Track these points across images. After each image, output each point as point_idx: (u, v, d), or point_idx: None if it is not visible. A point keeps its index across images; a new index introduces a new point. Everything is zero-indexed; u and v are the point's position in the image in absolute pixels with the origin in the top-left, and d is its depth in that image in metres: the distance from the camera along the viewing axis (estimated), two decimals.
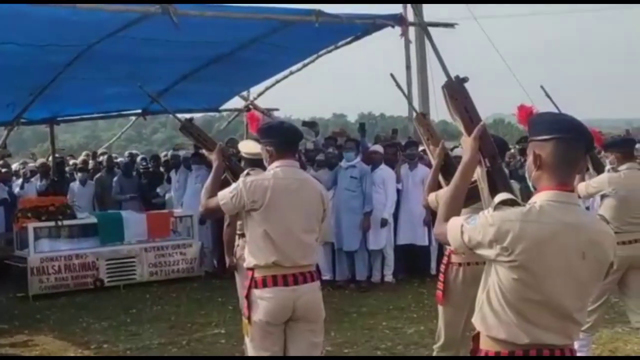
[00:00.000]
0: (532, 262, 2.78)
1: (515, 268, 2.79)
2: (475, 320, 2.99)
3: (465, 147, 3.18)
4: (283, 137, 4.56)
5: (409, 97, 13.19)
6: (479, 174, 3.20)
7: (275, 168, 4.52)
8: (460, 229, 2.93)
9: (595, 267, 2.87)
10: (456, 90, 3.21)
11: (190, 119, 5.63)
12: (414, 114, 5.58)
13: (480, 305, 2.97)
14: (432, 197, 5.24)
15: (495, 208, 2.86)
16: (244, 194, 4.40)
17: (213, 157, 5.08)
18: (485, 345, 2.96)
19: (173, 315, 9.33)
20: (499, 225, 2.79)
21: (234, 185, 4.52)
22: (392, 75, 5.75)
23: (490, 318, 2.90)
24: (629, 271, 6.35)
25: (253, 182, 4.44)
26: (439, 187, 5.29)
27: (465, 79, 3.22)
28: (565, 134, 2.86)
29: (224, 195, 4.49)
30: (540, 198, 2.86)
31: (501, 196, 2.91)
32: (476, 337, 3.03)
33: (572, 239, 2.80)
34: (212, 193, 4.65)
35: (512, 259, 2.78)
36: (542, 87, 6.98)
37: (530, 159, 2.94)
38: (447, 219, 3.07)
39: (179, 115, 6.59)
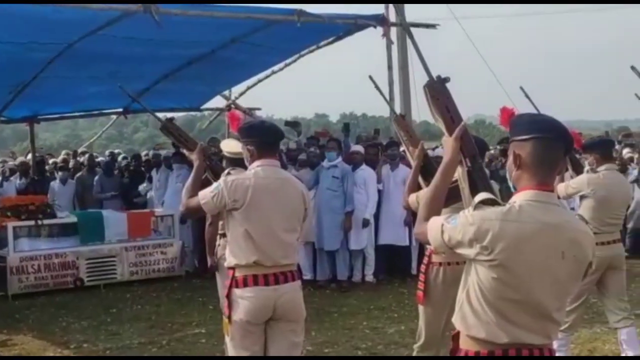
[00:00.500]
0: (512, 261, 2.79)
1: (495, 267, 2.80)
2: (455, 319, 3.00)
3: (446, 147, 3.18)
4: (264, 137, 4.56)
5: (388, 99, 13.21)
6: (459, 173, 3.21)
7: (256, 167, 4.52)
8: (440, 228, 2.95)
9: (574, 266, 2.89)
10: (438, 91, 3.22)
11: (171, 119, 5.61)
12: (393, 116, 5.59)
13: (460, 304, 2.98)
14: (412, 198, 5.26)
15: (476, 207, 2.87)
16: (225, 193, 4.40)
17: (194, 157, 5.08)
18: (465, 345, 2.97)
19: (153, 315, 9.30)
20: (479, 225, 2.81)
21: (215, 184, 4.52)
22: (370, 77, 5.78)
23: (470, 317, 2.91)
24: (608, 271, 6.41)
25: (234, 181, 4.44)
26: (419, 188, 5.31)
27: (446, 79, 3.22)
28: (544, 134, 2.88)
29: (205, 195, 4.49)
30: (520, 198, 2.88)
31: (481, 196, 2.93)
32: (456, 337, 3.04)
33: (552, 238, 2.82)
34: (193, 193, 4.64)
35: (491, 258, 2.79)
36: (521, 88, 7.02)
37: (510, 159, 2.97)
38: (427, 219, 3.08)
39: (161, 115, 6.58)
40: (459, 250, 2.90)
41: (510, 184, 2.97)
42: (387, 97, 13.58)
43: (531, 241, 2.79)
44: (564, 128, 2.95)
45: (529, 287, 2.82)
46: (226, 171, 4.73)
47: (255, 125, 4.71)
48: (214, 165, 5.38)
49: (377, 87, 5.78)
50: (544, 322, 2.88)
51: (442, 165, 3.16)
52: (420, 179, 5.32)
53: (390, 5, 11.87)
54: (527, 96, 6.84)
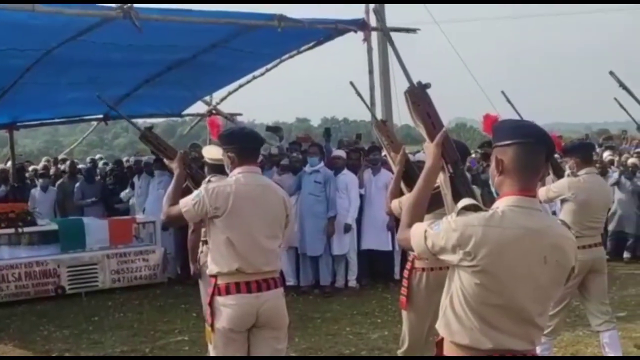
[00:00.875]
0: (494, 266, 2.79)
1: (478, 273, 2.80)
2: (439, 325, 3.00)
3: (427, 153, 3.18)
4: (244, 144, 4.54)
5: (369, 104, 13.21)
6: (441, 179, 3.21)
7: (237, 174, 4.50)
8: (424, 234, 2.94)
9: (556, 271, 2.89)
10: (418, 96, 3.22)
11: (150, 127, 5.56)
12: (374, 121, 5.59)
13: (443, 310, 2.98)
14: (395, 203, 5.25)
15: (459, 213, 2.87)
16: (206, 200, 4.38)
17: (174, 166, 5.05)
18: (449, 351, 2.97)
19: (136, 323, 9.23)
20: (462, 231, 2.80)
21: (196, 192, 4.49)
22: (351, 83, 5.78)
23: (454, 324, 2.91)
24: (589, 275, 6.43)
25: (215, 188, 4.42)
26: (401, 193, 5.30)
27: (427, 85, 3.22)
28: (526, 139, 2.89)
29: (186, 203, 4.46)
30: (502, 203, 2.88)
31: (464, 202, 2.93)
32: (439, 343, 3.04)
33: (534, 244, 2.82)
34: (174, 201, 4.61)
35: (474, 263, 2.79)
36: (502, 92, 7.04)
37: (493, 164, 2.97)
38: (410, 225, 3.07)
39: (142, 120, 6.55)
40: (443, 257, 2.89)
41: (493, 189, 2.96)
42: (369, 102, 13.60)
43: (514, 247, 2.79)
44: (545, 133, 2.97)
45: (511, 292, 2.81)
46: (207, 178, 4.70)
47: (235, 132, 4.69)
48: (195, 173, 5.36)
49: (358, 93, 5.78)
50: (527, 328, 2.88)
51: (424, 172, 3.16)
52: (402, 185, 5.31)
53: (371, 10, 11.87)
54: (508, 101, 6.85)
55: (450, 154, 3.16)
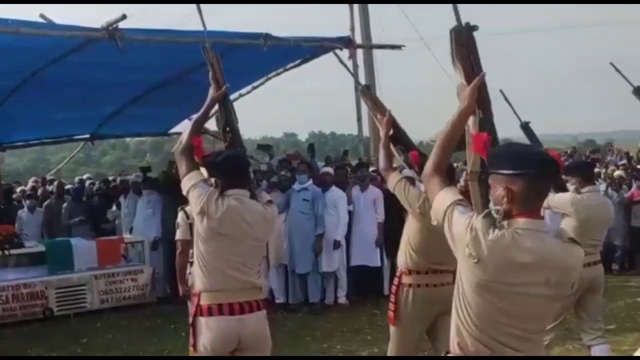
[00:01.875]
0: (497, 283, 2.84)
1: (480, 282, 2.86)
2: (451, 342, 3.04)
3: (463, 95, 3.17)
4: (230, 174, 4.44)
5: (356, 117, 13.29)
6: (470, 122, 3.20)
7: (228, 195, 4.43)
8: (445, 209, 2.99)
9: (557, 291, 2.92)
10: (464, 37, 3.22)
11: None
12: (359, 87, 5.65)
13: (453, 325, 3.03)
14: (393, 177, 5.24)
15: (484, 216, 2.89)
16: (207, 197, 4.33)
17: (211, 92, 4.74)
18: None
19: (125, 344, 9.18)
20: (476, 237, 2.84)
21: (204, 185, 4.40)
22: (335, 54, 5.83)
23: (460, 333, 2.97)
24: (587, 293, 6.40)
25: (218, 198, 4.36)
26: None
27: (474, 27, 3.22)
28: (536, 170, 2.90)
29: (197, 180, 4.40)
30: (512, 226, 2.89)
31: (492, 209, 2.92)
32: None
33: (540, 269, 2.85)
34: (197, 127, 4.60)
35: (476, 264, 2.84)
36: (500, 90, 6.93)
37: (498, 192, 2.93)
38: (437, 162, 3.13)
39: (128, 140, 6.49)
40: (448, 237, 2.96)
41: (493, 209, 2.93)
42: (355, 117, 13.61)
43: (518, 267, 2.83)
44: (551, 159, 2.99)
45: (512, 310, 2.86)
46: (214, 180, 4.51)
47: (222, 162, 4.48)
48: (230, 111, 4.76)
49: (342, 62, 5.84)
50: (527, 344, 2.92)
51: (457, 113, 3.16)
52: (392, 147, 5.30)
53: (357, 27, 11.95)
54: (506, 99, 6.73)
55: (483, 97, 3.18)
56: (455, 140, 3.18)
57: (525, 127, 6.68)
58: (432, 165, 3.15)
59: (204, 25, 5.09)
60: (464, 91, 3.17)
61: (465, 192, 3.20)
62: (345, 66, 5.90)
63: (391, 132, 5.25)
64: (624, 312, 9.62)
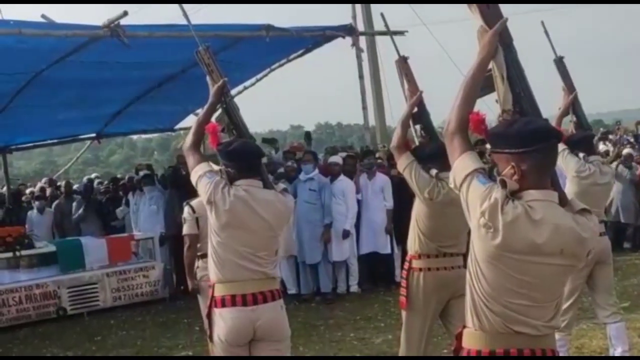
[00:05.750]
0: (511, 252, 2.81)
1: (494, 251, 2.83)
2: (467, 317, 3.01)
3: (483, 42, 3.08)
4: (244, 161, 4.41)
5: (362, 106, 13.23)
6: (494, 63, 3.12)
7: (239, 185, 4.41)
8: (465, 175, 2.92)
9: (572, 261, 2.91)
10: None
11: (208, 46, 5.10)
12: (397, 58, 5.56)
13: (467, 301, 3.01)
14: (404, 158, 5.23)
15: (502, 187, 2.84)
16: (214, 186, 4.32)
17: (211, 92, 4.73)
18: (468, 343, 2.98)
19: (139, 340, 9.21)
20: (495, 206, 2.80)
21: (210, 176, 4.38)
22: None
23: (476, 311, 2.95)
24: (596, 266, 6.34)
25: (225, 187, 4.34)
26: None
27: None
28: (544, 143, 2.86)
29: (204, 172, 4.40)
30: (524, 198, 2.85)
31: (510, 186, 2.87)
32: (459, 336, 3.05)
33: (555, 237, 2.82)
34: (199, 128, 4.58)
35: (493, 241, 2.81)
36: (542, 22, 6.81)
37: (507, 170, 2.89)
38: (461, 117, 3.02)
39: (135, 137, 6.49)
40: (463, 196, 2.92)
41: (508, 181, 2.89)
42: (360, 106, 13.57)
43: (534, 240, 2.80)
44: (554, 129, 2.97)
45: (523, 279, 2.85)
46: (223, 168, 4.50)
47: (235, 150, 4.46)
48: (230, 105, 4.77)
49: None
50: (540, 311, 2.90)
51: (479, 60, 3.07)
52: (412, 125, 5.31)
53: (358, 15, 11.91)
54: (546, 32, 6.55)
55: (505, 36, 3.08)
56: (477, 90, 3.09)
57: (560, 62, 6.53)
58: (455, 120, 3.03)
59: (189, 21, 5.14)
60: (484, 37, 3.08)
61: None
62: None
63: (415, 110, 5.27)
64: (637, 290, 9.59)
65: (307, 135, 13.62)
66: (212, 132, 4.58)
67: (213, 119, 4.66)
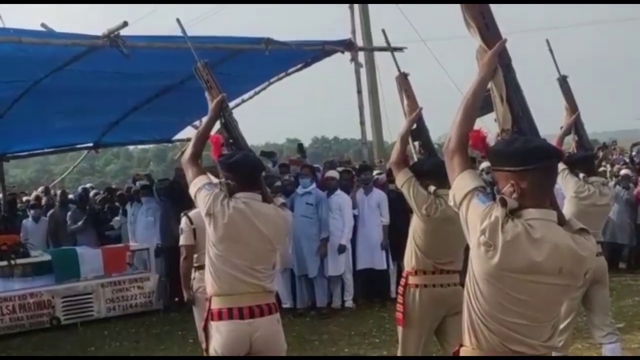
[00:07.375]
0: (509, 272, 2.81)
1: (493, 270, 2.82)
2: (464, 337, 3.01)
3: (482, 62, 3.08)
4: (245, 174, 4.41)
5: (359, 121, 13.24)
6: (493, 81, 3.10)
7: (238, 197, 4.40)
8: (465, 193, 2.91)
9: (570, 280, 2.91)
10: None
11: (206, 63, 5.12)
12: (398, 75, 5.57)
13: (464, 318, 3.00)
14: (402, 173, 5.23)
15: (502, 205, 2.84)
16: (213, 198, 4.31)
17: (210, 108, 4.74)
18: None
19: (132, 352, 9.17)
20: (495, 225, 2.80)
21: (209, 189, 4.37)
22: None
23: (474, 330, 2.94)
24: (592, 286, 6.33)
25: (224, 199, 4.33)
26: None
27: None
28: (543, 162, 2.86)
29: (202, 184, 4.38)
30: (523, 217, 2.85)
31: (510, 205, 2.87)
32: (456, 354, 3.05)
33: (553, 256, 2.81)
34: (198, 144, 4.57)
35: (492, 260, 2.80)
36: (547, 40, 6.80)
37: (506, 187, 2.89)
38: (461, 135, 3.02)
39: (131, 147, 6.50)
40: (462, 217, 2.92)
41: (508, 199, 2.89)
42: (358, 121, 13.59)
43: (533, 260, 2.79)
44: (554, 148, 2.97)
45: (521, 298, 2.84)
46: (223, 180, 4.49)
47: (237, 161, 4.44)
48: (229, 120, 4.73)
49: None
50: (536, 331, 2.90)
51: (479, 78, 3.07)
52: (411, 141, 5.36)
53: (357, 30, 11.94)
54: (550, 50, 6.54)
55: (504, 56, 3.08)
56: (477, 108, 3.08)
57: (563, 81, 6.52)
58: (455, 138, 3.02)
59: (185, 33, 5.17)
60: (483, 57, 3.08)
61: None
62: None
63: (414, 126, 5.29)
64: (632, 311, 9.57)
65: (300, 147, 13.61)
66: (215, 143, 4.59)
67: (213, 132, 4.67)
